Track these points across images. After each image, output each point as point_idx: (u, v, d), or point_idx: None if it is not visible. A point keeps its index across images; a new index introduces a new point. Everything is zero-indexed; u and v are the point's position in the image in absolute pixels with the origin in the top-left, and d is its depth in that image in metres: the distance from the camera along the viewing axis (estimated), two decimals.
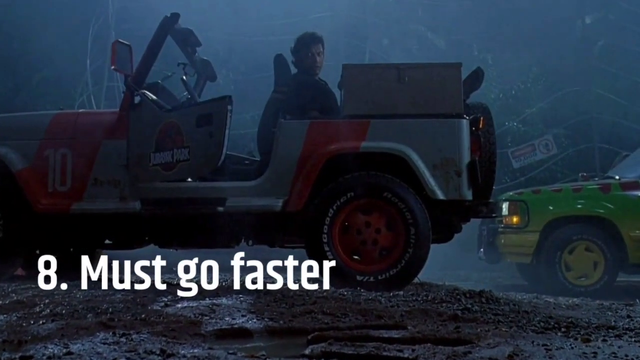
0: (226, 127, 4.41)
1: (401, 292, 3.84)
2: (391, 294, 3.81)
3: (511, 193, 7.87)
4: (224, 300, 3.53)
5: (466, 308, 3.29)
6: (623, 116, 14.43)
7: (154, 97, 4.73)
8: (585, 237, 7.15)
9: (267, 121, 4.82)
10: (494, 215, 4.82)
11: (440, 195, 4.47)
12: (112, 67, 4.51)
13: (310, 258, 4.47)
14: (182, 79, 4.97)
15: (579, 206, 7.31)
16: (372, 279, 4.37)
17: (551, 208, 7.33)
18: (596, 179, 8.81)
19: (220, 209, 4.49)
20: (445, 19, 17.03)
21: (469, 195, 4.55)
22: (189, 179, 4.61)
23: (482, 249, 8.09)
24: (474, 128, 4.63)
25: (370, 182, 4.46)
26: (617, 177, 7.50)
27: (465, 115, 4.60)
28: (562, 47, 15.34)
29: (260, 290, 3.85)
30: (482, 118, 4.68)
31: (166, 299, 3.59)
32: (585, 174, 8.98)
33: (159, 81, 5.10)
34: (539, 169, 13.95)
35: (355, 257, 4.47)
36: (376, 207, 4.48)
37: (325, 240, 4.42)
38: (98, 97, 15.38)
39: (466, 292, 3.74)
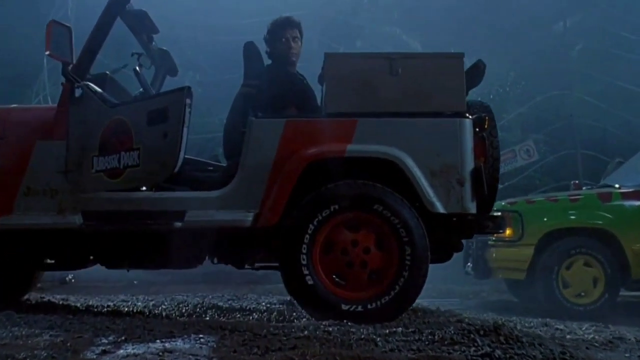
0: (184, 124, 3.67)
1: (399, 329, 3.13)
2: (387, 331, 3.10)
3: (503, 203, 7.23)
4: (179, 344, 2.78)
5: (487, 354, 2.60)
6: (605, 121, 14.00)
7: (99, 90, 3.96)
8: (584, 251, 6.51)
9: (235, 120, 4.09)
10: (501, 231, 4.14)
11: (440, 208, 3.79)
12: (47, 52, 3.72)
13: (285, 282, 3.75)
14: (134, 70, 4.20)
15: (577, 217, 6.68)
16: (360, 308, 3.66)
17: (547, 219, 6.69)
18: (588, 187, 8.24)
19: (178, 224, 3.74)
20: (420, 21, 16.51)
21: (472, 207, 3.87)
22: (140, 188, 3.84)
23: (469, 264, 7.42)
24: (477, 129, 3.96)
25: (358, 193, 3.75)
26: (616, 186, 6.90)
27: (468, 114, 3.93)
28: (540, 50, 14.88)
29: (225, 328, 3.11)
30: (487, 117, 4.01)
31: (107, 341, 2.84)
32: (577, 182, 8.39)
33: (107, 72, 4.33)
34: (519, 177, 13.42)
35: (340, 281, 3.76)
36: (365, 222, 3.77)
37: (304, 262, 3.70)
38: (55, 97, 14.45)
39: (478, 327, 3.05)
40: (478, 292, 9.03)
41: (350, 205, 3.74)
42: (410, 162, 3.78)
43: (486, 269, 7.06)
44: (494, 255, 6.87)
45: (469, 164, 3.86)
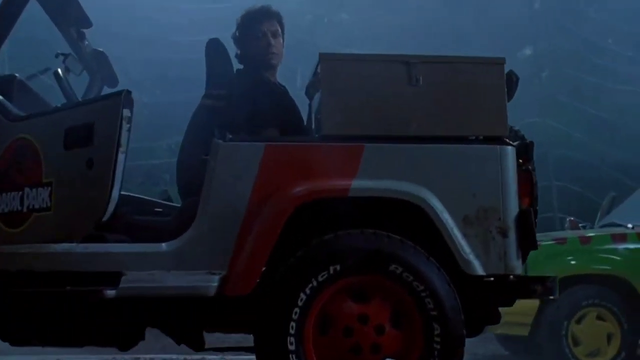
0: (119, 148, 2.54)
1: None
2: None
3: None
4: None
5: None
6: (580, 151, 13.36)
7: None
8: (597, 303, 5.64)
9: (194, 143, 2.98)
10: (552, 296, 3.11)
11: (478, 269, 2.75)
12: None
13: None
14: (55, 72, 3.07)
15: (589, 262, 5.78)
16: None
17: (554, 265, 5.75)
18: (584, 225, 7.39)
19: (110, 292, 2.59)
20: (384, 42, 15.75)
21: (518, 266, 2.86)
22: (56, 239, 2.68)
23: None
24: (520, 160, 2.95)
25: (367, 248, 2.67)
26: (629, 226, 6.02)
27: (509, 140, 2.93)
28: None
29: None
30: (533, 144, 3.02)
31: None
32: (572, 219, 7.51)
33: (17, 75, 3.17)
34: None
35: None
36: (377, 290, 2.70)
37: (291, 346, 2.59)
38: None
39: None
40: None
41: (356, 266, 2.66)
42: (437, 205, 2.73)
43: None
44: None
45: (514, 206, 2.85)
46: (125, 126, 2.53)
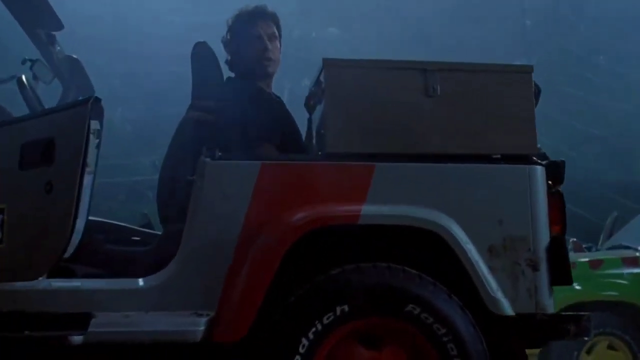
0: (84, 169, 2.13)
1: None
2: None
3: None
4: None
5: None
6: (572, 168, 13.11)
7: None
8: (608, 331, 5.29)
9: (177, 162, 2.59)
10: (586, 337, 2.73)
11: (507, 308, 2.37)
12: None
13: None
14: (18, 80, 2.67)
15: (600, 288, 5.43)
16: None
17: (560, 292, 5.39)
18: (588, 246, 7.07)
19: (78, 337, 2.18)
20: (374, 57, 15.49)
21: (550, 305, 2.50)
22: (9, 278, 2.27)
23: None
24: (550, 181, 2.60)
25: (380, 284, 2.29)
26: None
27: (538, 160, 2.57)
28: None
29: None
30: (564, 164, 2.66)
31: None
32: (575, 240, 7.17)
33: None
34: None
35: None
36: (391, 334, 2.32)
37: None
38: None
39: None
40: None
41: (367, 306, 2.27)
42: (460, 234, 2.36)
43: None
44: None
45: (544, 235, 2.48)
46: (93, 141, 2.12)
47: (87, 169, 2.10)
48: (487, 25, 15.54)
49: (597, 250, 6.74)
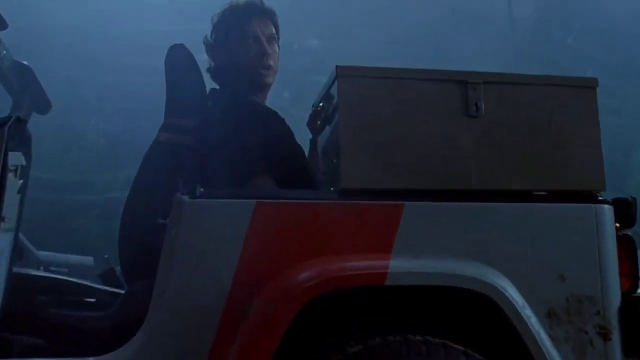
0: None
1: None
2: None
3: None
4: None
5: None
6: None
7: None
8: None
9: (145, 199, 2.01)
10: None
11: None
12: None
13: None
14: None
15: None
16: None
17: None
18: None
19: None
20: None
21: None
22: None
23: None
24: (618, 224, 2.06)
25: None
26: None
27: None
28: None
29: None
30: (635, 201, 2.13)
31: None
32: None
33: None
34: None
35: None
36: None
37: None
38: None
39: None
40: None
41: None
42: (516, 297, 1.81)
43: None
44: None
45: (616, 293, 1.95)
46: (11, 180, 1.50)
47: (6, 219, 1.48)
48: (474, 39, 15.16)
49: None
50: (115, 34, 13.55)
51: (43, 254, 4.93)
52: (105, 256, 2.42)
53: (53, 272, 4.79)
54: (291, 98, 14.77)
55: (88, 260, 5.48)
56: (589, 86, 2.04)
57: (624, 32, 15.48)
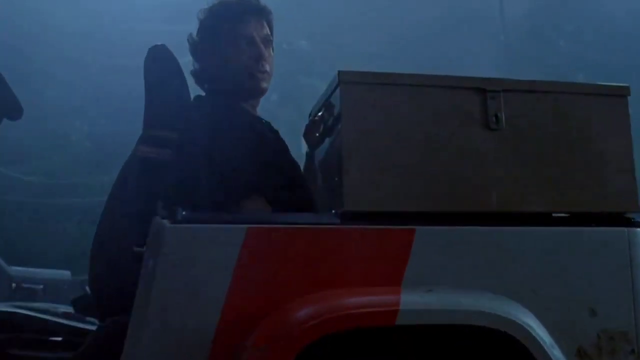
0: None
1: None
2: None
3: None
4: None
5: None
6: None
7: None
8: None
9: (119, 222, 1.77)
10: None
11: None
12: None
13: None
14: None
15: None
16: None
17: None
18: None
19: None
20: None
21: None
22: None
23: None
24: None
25: None
26: None
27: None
28: None
29: None
30: None
31: None
32: None
33: None
34: None
35: None
36: None
37: None
38: None
39: None
40: None
41: None
42: (544, 336, 1.59)
43: None
44: None
45: None
46: None
47: None
48: (464, 41, 15.03)
49: None
50: (103, 34, 13.27)
51: (15, 269, 4.68)
52: (83, 279, 2.16)
53: (26, 289, 4.53)
54: (279, 100, 14.55)
55: (64, 274, 5.24)
56: (619, 94, 1.82)
57: (622, 32, 15.40)
